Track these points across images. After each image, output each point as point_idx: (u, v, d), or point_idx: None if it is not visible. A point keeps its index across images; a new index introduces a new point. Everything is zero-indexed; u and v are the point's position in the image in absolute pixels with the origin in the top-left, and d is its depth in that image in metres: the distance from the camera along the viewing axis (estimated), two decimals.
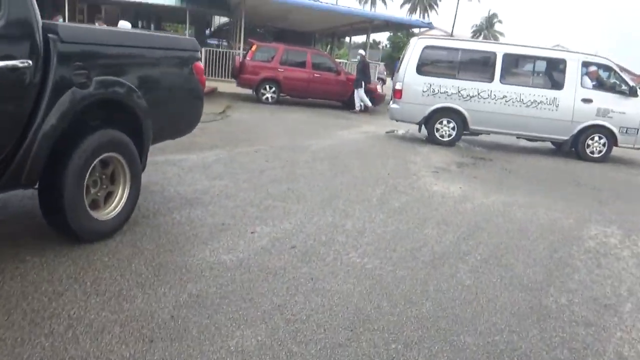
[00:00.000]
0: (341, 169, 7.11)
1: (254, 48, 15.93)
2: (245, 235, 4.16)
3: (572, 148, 10.36)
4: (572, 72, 10.18)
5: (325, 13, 19.11)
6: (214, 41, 34.97)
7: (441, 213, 5.44)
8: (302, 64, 15.94)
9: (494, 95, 10.22)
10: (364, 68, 15.70)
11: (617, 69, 10.54)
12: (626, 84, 10.26)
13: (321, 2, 19.97)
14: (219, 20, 34.69)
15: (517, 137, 11.18)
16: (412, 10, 71.77)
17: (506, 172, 8.27)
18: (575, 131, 10.18)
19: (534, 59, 10.95)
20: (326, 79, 16.06)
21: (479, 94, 10.26)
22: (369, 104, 15.88)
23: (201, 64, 4.72)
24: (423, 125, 10.77)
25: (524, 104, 10.16)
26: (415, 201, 5.82)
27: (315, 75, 15.93)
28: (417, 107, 10.48)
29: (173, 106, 4.43)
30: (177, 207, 4.67)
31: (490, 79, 10.29)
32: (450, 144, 10.50)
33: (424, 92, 10.40)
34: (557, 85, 10.31)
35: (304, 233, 4.36)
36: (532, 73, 11.18)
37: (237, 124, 10.58)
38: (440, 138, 10.54)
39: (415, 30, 24.12)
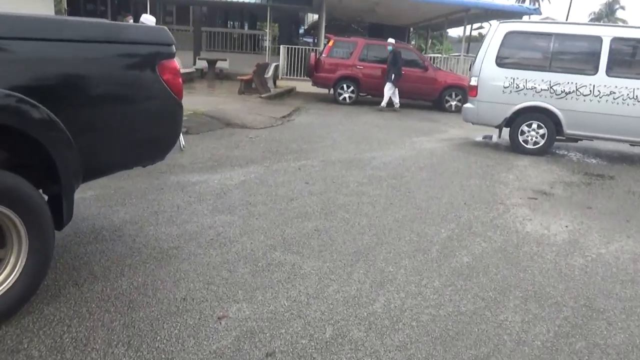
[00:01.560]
0: (401, 196, 5.43)
1: (330, 43, 14.51)
2: (205, 326, 2.69)
3: None
4: None
5: (414, 4, 17.22)
6: (309, 39, 34.05)
7: (533, 276, 3.63)
8: (384, 60, 14.25)
9: (598, 91, 7.99)
10: (394, 59, 13.38)
11: None
12: None
13: None
14: (312, 17, 33.73)
15: (631, 145, 8.80)
16: (522, 1, 66.52)
17: (635, 199, 6.11)
18: None
19: None
20: (412, 76, 14.23)
21: (577, 89, 8.09)
22: (396, 101, 13.63)
23: (175, 63, 3.32)
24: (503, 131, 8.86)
25: (638, 101, 7.83)
26: (496, 252, 4.03)
27: None
28: (497, 107, 8.50)
29: (121, 126, 3.06)
30: (136, 266, 3.31)
31: (594, 70, 8.08)
32: (539, 152, 8.45)
33: (505, 88, 8.41)
34: None
35: (302, 321, 2.80)
36: None
37: (296, 131, 9.17)
38: (526, 146, 8.52)
39: (525, 19, 21.41)
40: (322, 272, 3.43)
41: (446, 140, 9.36)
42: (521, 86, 8.35)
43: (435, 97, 14.45)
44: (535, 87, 8.29)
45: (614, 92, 7.95)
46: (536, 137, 8.45)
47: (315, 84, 14.69)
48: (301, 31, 35.65)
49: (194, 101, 11.15)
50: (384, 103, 13.36)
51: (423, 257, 3.81)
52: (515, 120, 8.51)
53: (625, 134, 8.11)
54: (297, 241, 3.94)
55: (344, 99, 14.13)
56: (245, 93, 13.91)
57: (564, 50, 8.64)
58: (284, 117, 10.61)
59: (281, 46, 17.94)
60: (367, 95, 14.88)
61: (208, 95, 13.26)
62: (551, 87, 8.23)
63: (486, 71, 8.54)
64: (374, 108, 13.27)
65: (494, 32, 8.63)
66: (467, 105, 9.01)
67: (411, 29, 30.44)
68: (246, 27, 33.11)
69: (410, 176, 6.35)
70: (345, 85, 14.15)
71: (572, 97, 8.15)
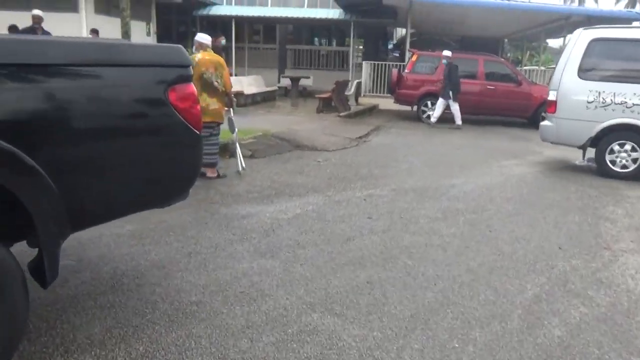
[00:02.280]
0: (479, 236, 4.59)
1: (414, 58, 13.73)
2: None
3: None
4: None
5: (507, 12, 16.01)
6: (399, 53, 33.32)
7: None
8: (472, 75, 13.26)
9: None
10: (450, 73, 12.20)
11: None
12: None
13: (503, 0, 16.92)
14: (402, 31, 32.97)
15: None
16: (632, 6, 61.27)
17: None
18: None
19: None
20: (504, 92, 13.16)
21: None
22: (435, 117, 12.40)
23: (192, 87, 2.81)
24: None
25: None
26: (598, 322, 3.12)
27: (489, 87, 13.12)
28: (580, 125, 7.46)
29: (121, 165, 2.57)
30: (143, 328, 2.79)
31: None
32: (631, 177, 7.29)
33: (589, 103, 7.34)
34: None
35: None
36: None
37: (370, 153, 8.50)
38: (615, 169, 7.44)
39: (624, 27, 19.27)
40: (365, 345, 2.73)
41: (540, 164, 8.27)
42: (608, 101, 7.24)
43: (530, 113, 13.17)
44: (625, 102, 7.18)
45: None
46: (627, 160, 7.32)
47: (397, 101, 13.96)
48: (390, 46, 34.99)
49: (268, 121, 10.85)
50: (458, 121, 12.33)
51: (500, 327, 2.99)
52: (602, 139, 7.44)
53: None
54: (343, 298, 3.26)
55: (428, 117, 13.25)
56: (324, 112, 13.47)
57: None
58: (360, 137, 9.97)
59: (363, 62, 17.43)
60: None
61: (285, 114, 12.95)
62: None
63: (567, 84, 7.52)
64: (458, 127, 12.26)
65: (576, 39, 7.64)
66: (545, 122, 8.01)
67: (505, 40, 28.77)
68: (334, 43, 33.19)
69: (493, 209, 5.46)
70: (429, 103, 13.28)
71: None
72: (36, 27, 8.36)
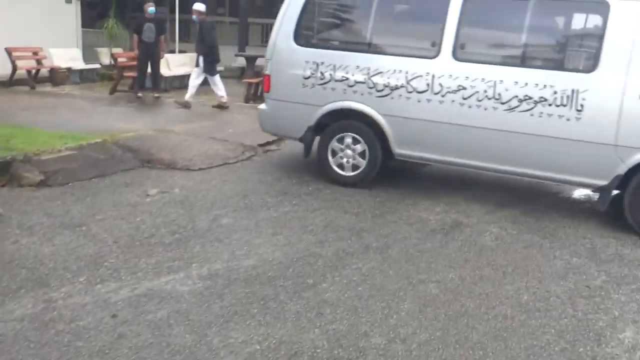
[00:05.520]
0: None
1: None
2: None
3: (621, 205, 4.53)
4: (619, 34, 4.35)
5: None
6: None
7: None
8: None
9: (441, 84, 4.87)
10: (202, 32, 9.20)
11: None
12: None
13: None
14: None
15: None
16: None
17: None
18: (624, 168, 4.39)
19: (532, 7, 4.81)
20: None
21: (408, 82, 4.98)
22: (221, 94, 9.49)
23: None
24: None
25: (503, 104, 4.66)
26: None
27: None
28: (297, 109, 5.45)
29: None
30: None
31: (434, 50, 4.95)
32: (358, 182, 5.28)
33: (306, 79, 5.34)
34: (584, 62, 4.68)
35: None
36: (525, 38, 4.92)
37: (254, 176, 5.54)
38: (339, 171, 5.38)
39: None
40: None
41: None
42: (327, 76, 5.23)
43: None
44: (347, 78, 5.17)
45: (464, 87, 4.76)
46: (353, 159, 5.29)
47: None
48: None
49: (156, 116, 7.90)
50: (187, 96, 9.35)
51: None
52: (325, 130, 5.42)
53: (482, 159, 4.85)
54: None
55: None
56: (255, 101, 10.41)
57: (393, 18, 5.59)
58: (267, 144, 6.97)
59: None
60: None
61: (199, 106, 9.90)
62: (370, 78, 5.07)
63: (281, 51, 5.47)
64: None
65: None
66: (262, 106, 5.91)
67: None
68: None
69: None
70: None
71: (400, 94, 5.01)
72: None
